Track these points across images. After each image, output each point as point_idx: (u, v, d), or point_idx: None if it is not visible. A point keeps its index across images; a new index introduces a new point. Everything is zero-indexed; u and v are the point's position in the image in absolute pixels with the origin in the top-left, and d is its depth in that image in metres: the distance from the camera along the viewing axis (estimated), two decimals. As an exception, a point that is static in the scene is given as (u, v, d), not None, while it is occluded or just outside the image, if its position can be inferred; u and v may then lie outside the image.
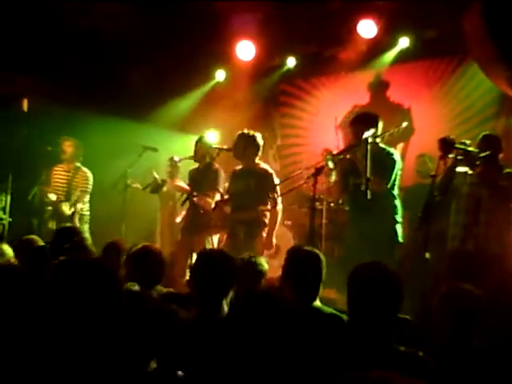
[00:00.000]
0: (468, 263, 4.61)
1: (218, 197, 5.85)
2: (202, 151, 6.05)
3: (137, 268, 3.60)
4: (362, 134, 4.90)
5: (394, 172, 5.10)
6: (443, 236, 5.00)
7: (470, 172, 4.88)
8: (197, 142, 6.12)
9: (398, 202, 5.18)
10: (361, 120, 5.18)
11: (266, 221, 5.71)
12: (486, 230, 4.74)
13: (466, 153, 4.68)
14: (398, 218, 5.14)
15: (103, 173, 6.97)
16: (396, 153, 5.33)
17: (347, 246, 5.33)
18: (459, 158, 4.68)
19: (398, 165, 5.16)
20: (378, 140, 5.07)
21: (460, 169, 4.83)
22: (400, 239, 5.14)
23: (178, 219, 6.49)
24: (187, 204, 5.91)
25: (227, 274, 3.07)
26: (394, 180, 5.13)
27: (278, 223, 5.76)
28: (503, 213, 4.81)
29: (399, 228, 5.13)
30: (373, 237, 4.81)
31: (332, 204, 6.59)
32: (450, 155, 4.63)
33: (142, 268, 3.59)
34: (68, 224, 5.91)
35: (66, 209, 6.60)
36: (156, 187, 6.18)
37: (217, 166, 6.00)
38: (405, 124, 5.37)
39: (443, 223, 5.02)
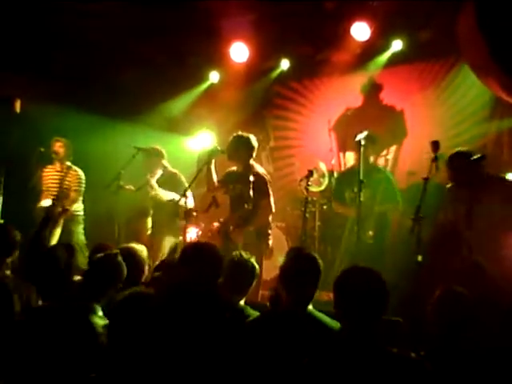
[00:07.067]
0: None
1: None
2: None
3: None
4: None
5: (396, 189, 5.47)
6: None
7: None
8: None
9: None
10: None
11: (269, 231, 5.45)
12: (477, 234, 4.71)
13: None
14: None
15: (96, 174, 6.94)
16: (383, 169, 5.59)
17: (347, 251, 5.39)
18: None
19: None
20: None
21: None
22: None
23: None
24: None
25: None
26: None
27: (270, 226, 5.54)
28: (496, 220, 4.78)
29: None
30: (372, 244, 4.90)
31: (325, 206, 6.60)
32: None
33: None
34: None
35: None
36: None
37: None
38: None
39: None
